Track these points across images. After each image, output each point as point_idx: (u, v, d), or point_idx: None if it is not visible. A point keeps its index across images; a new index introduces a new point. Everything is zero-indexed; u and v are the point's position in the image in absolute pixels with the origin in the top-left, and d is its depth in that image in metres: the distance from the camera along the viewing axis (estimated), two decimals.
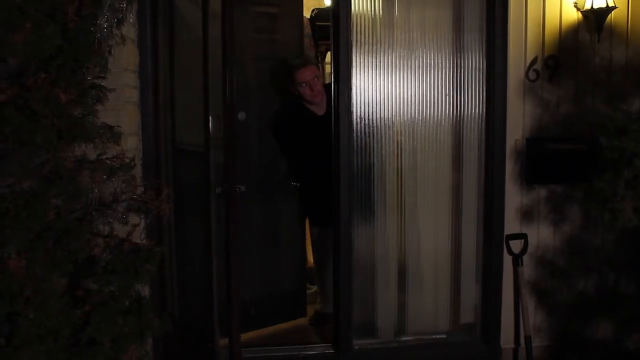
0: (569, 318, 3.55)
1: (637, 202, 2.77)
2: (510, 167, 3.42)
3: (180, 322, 3.43)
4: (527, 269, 3.47)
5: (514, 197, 3.45)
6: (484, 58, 3.37)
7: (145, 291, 2.41)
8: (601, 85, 3.43)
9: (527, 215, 3.47)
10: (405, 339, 3.52)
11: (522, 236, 3.45)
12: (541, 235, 3.49)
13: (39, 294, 1.69)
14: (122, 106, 2.75)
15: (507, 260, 3.45)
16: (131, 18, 2.41)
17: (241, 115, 3.66)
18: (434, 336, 3.54)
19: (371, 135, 3.33)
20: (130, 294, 2.02)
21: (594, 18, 3.31)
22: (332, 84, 3.33)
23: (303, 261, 4.10)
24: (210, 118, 3.06)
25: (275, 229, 3.97)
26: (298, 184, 3.85)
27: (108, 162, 2.00)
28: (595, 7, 3.27)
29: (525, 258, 3.44)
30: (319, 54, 6.63)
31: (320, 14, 6.41)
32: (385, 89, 3.33)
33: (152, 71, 3.12)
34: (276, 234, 3.99)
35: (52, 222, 1.81)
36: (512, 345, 3.53)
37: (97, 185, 1.96)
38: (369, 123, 3.32)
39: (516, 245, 3.44)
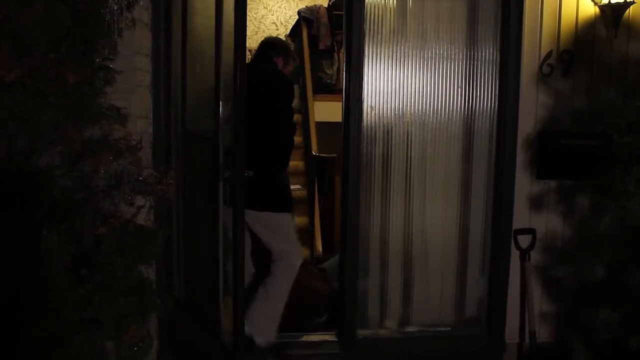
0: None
1: None
2: (521, 157, 3.41)
3: (186, 304, 3.46)
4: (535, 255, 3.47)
5: (523, 185, 3.43)
6: (498, 51, 3.34)
7: (150, 273, 2.43)
8: (616, 81, 3.39)
9: (536, 204, 3.46)
10: (409, 330, 3.52)
11: (531, 231, 3.43)
12: (549, 225, 3.48)
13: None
14: (133, 89, 2.75)
15: (514, 254, 3.44)
16: (142, 1, 2.40)
17: None
18: (438, 329, 3.54)
19: (381, 125, 3.32)
20: (133, 275, 2.04)
21: (611, 13, 3.27)
22: (344, 73, 3.33)
23: None
24: (220, 103, 3.08)
25: None
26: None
27: (114, 143, 2.02)
28: (612, 1, 3.22)
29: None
30: (335, 43, 6.62)
31: (337, 3, 6.41)
32: (397, 79, 3.31)
33: (165, 55, 3.14)
34: None
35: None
36: (517, 340, 3.53)
37: (103, 166, 1.98)
38: (379, 113, 3.31)
39: (524, 240, 3.43)
